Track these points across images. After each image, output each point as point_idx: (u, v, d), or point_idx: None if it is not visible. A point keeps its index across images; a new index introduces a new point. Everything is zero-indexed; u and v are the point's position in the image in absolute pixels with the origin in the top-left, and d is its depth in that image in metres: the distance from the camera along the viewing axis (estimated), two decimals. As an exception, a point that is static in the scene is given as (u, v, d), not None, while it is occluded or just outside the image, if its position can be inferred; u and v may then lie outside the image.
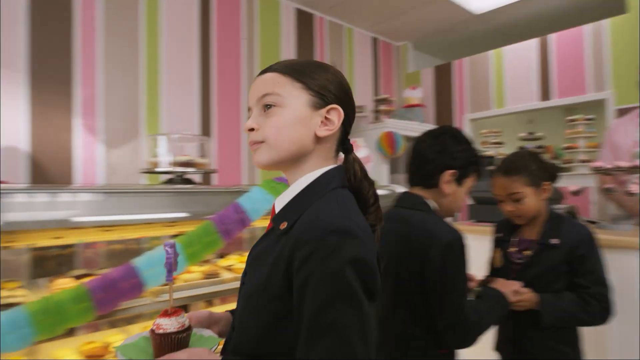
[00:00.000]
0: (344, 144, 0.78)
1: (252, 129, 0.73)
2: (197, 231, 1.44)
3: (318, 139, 0.73)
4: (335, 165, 0.77)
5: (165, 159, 1.85)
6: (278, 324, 0.66)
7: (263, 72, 0.75)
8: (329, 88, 0.74)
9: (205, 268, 1.68)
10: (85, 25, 2.75)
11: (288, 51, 3.83)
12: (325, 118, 0.73)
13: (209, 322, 0.84)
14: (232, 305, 0.82)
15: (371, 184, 0.78)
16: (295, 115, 0.71)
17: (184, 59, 3.19)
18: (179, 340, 0.71)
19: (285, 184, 1.80)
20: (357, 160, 0.78)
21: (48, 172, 2.59)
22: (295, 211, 0.70)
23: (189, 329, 0.75)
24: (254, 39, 3.62)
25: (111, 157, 2.78)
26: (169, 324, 0.71)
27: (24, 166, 2.50)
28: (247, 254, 0.82)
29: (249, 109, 0.76)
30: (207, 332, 0.80)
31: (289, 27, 3.85)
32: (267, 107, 0.72)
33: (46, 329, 1.14)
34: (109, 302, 1.23)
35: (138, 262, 1.30)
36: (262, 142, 0.72)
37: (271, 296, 0.67)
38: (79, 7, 2.73)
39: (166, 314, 0.73)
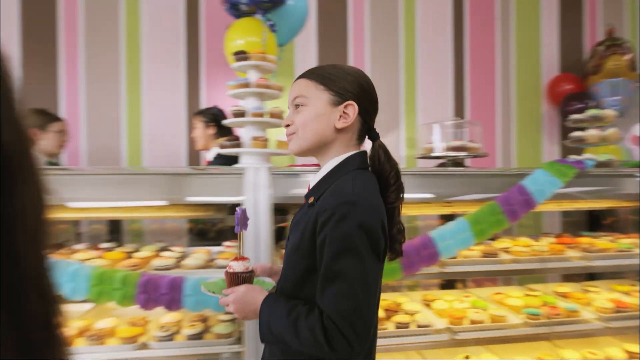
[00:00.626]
0: (369, 133, 0.93)
1: (287, 125, 0.92)
2: (483, 210, 1.53)
3: (338, 130, 0.89)
4: (357, 151, 0.91)
5: (439, 145, 2.00)
6: (307, 276, 0.85)
7: (297, 78, 0.92)
8: (348, 88, 0.88)
9: (484, 247, 1.75)
10: (357, 35, 3.22)
11: (549, 28, 3.46)
12: (343, 112, 0.88)
13: (270, 273, 1.04)
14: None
15: (393, 166, 0.89)
16: (317, 112, 0.88)
17: (439, 47, 3.32)
18: (244, 278, 0.92)
19: (570, 165, 1.69)
20: (381, 147, 0.91)
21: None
22: (321, 188, 0.87)
23: (252, 272, 0.95)
24: (510, 17, 3.43)
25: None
26: (237, 266, 0.92)
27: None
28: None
29: (289, 109, 0.94)
30: (268, 280, 1.02)
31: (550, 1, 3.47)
32: (297, 106, 0.90)
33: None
34: (412, 265, 1.45)
35: (435, 234, 1.48)
36: (293, 133, 0.91)
37: (302, 254, 0.85)
38: (352, 21, 3.21)
39: (236, 258, 0.94)
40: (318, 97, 0.88)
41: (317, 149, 0.91)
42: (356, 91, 0.89)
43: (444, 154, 1.99)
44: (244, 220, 0.97)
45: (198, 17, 3.05)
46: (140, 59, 2.98)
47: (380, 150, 0.90)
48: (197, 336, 1.48)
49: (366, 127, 0.92)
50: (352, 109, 0.88)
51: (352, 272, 0.76)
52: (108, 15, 2.95)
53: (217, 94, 2.98)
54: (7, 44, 2.78)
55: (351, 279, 0.76)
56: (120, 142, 2.95)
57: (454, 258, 1.61)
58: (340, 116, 0.88)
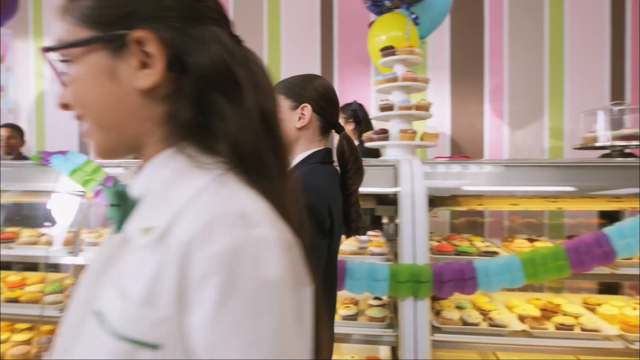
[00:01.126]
0: (335, 127, 1.10)
1: None
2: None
3: (299, 129, 1.04)
4: (320, 148, 1.07)
5: (604, 134, 1.81)
6: None
7: None
8: (302, 93, 1.05)
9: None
10: (494, 23, 3.04)
11: None
12: (301, 114, 1.03)
13: None
14: None
15: (352, 154, 1.05)
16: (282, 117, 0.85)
17: (592, 24, 2.97)
18: None
19: None
20: (345, 137, 1.07)
21: (463, 150, 3.07)
22: None
23: None
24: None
25: (515, 138, 2.99)
26: None
27: (446, 146, 3.08)
28: None
29: None
30: None
31: None
32: None
33: (530, 276, 1.39)
34: (582, 263, 1.35)
35: (610, 231, 1.35)
36: None
37: None
38: (488, 8, 3.05)
39: None
40: (281, 105, 1.01)
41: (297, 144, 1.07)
42: (310, 94, 1.05)
43: (611, 143, 1.79)
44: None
45: (332, 16, 3.19)
46: (280, 57, 3.23)
47: (344, 140, 1.07)
48: (352, 317, 1.58)
49: (328, 123, 1.08)
50: (308, 110, 1.04)
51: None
52: (252, 16, 3.25)
53: (349, 90, 3.10)
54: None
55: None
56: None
57: (629, 259, 1.46)
58: (299, 118, 1.04)
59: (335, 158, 1.09)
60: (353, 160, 1.06)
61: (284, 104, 1.05)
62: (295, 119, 1.04)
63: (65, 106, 0.52)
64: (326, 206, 0.94)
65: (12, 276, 1.99)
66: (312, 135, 1.07)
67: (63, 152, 1.74)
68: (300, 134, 1.05)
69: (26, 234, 1.91)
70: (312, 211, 0.86)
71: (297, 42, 3.23)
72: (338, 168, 1.09)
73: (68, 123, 3.45)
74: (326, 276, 0.98)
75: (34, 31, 3.58)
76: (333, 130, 1.10)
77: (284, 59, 3.25)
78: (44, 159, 1.75)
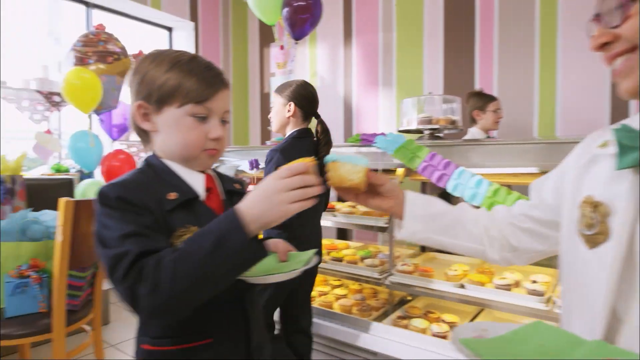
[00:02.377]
0: (315, 115, 1.83)
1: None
2: None
3: (288, 118, 1.78)
4: (299, 128, 1.79)
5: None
6: None
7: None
8: (288, 94, 1.78)
9: None
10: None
11: None
12: (288, 108, 1.77)
13: None
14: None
15: (323, 131, 1.78)
16: (277, 109, 1.80)
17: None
18: None
19: None
20: (320, 121, 1.80)
21: None
22: None
23: None
24: None
25: None
26: None
27: None
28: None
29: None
30: None
31: None
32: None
33: None
34: None
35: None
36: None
37: None
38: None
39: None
40: (277, 102, 1.81)
41: (282, 128, 1.83)
42: (294, 95, 1.77)
43: None
44: None
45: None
46: (557, 24, 2.90)
47: (318, 123, 1.80)
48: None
49: (309, 112, 1.82)
50: (293, 105, 1.76)
51: None
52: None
53: None
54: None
55: None
56: (533, 112, 2.99)
57: None
58: (288, 110, 1.77)
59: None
60: (324, 137, 1.77)
61: (279, 100, 1.80)
62: (286, 109, 1.78)
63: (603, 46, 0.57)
64: (285, 161, 1.43)
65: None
66: (296, 121, 1.79)
67: (382, 134, 1.97)
68: (289, 120, 1.79)
69: (343, 205, 2.25)
70: (278, 166, 1.00)
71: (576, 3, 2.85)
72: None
73: (334, 116, 3.96)
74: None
75: (309, 38, 4.21)
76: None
77: (561, 25, 2.92)
78: (366, 139, 2.02)
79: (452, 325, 1.79)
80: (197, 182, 0.81)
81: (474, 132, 2.66)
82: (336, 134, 4.06)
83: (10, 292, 1.52)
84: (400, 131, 2.22)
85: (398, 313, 1.96)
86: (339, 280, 2.38)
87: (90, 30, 3.08)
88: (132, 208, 0.69)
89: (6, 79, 3.07)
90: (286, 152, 1.64)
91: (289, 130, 1.79)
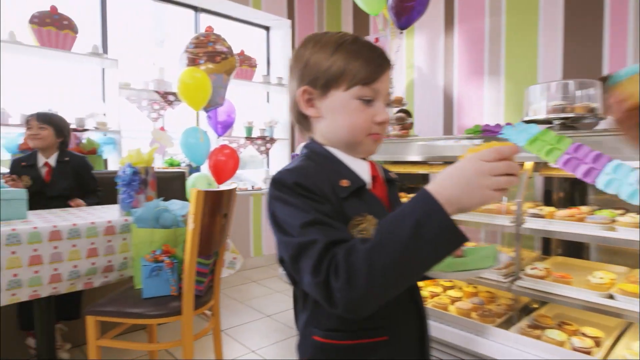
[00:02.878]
0: None
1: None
2: None
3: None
4: None
5: None
6: None
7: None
8: None
9: None
10: None
11: None
12: None
13: None
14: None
15: None
16: None
17: None
18: None
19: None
20: None
21: None
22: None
23: None
24: None
25: None
26: None
27: None
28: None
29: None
30: None
31: None
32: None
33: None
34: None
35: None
36: None
37: None
38: None
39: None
40: None
41: None
42: None
43: None
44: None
45: None
46: None
47: None
48: None
49: None
50: None
51: None
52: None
53: None
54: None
55: None
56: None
57: None
58: None
59: None
60: None
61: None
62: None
63: None
64: None
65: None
66: None
67: (509, 124, 1.79)
68: None
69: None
70: None
71: None
72: None
73: (431, 109, 3.77)
74: None
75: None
76: None
77: None
78: (489, 131, 1.85)
79: (597, 340, 1.57)
80: (362, 169, 0.77)
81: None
82: (435, 126, 3.87)
83: (147, 275, 1.63)
84: (526, 122, 2.01)
85: (526, 321, 1.77)
86: (450, 281, 2.24)
87: (200, 32, 3.26)
88: (310, 195, 0.66)
89: (130, 80, 3.37)
90: None
91: None
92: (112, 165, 3.33)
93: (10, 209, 1.75)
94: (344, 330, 0.70)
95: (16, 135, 2.80)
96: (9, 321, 2.17)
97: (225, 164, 3.37)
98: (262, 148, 4.15)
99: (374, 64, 0.73)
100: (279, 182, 0.69)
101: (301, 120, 0.80)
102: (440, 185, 0.58)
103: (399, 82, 4.14)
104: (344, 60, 0.73)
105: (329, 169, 0.74)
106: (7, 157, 2.88)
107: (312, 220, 0.63)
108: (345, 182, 0.72)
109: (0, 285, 1.50)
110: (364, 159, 0.79)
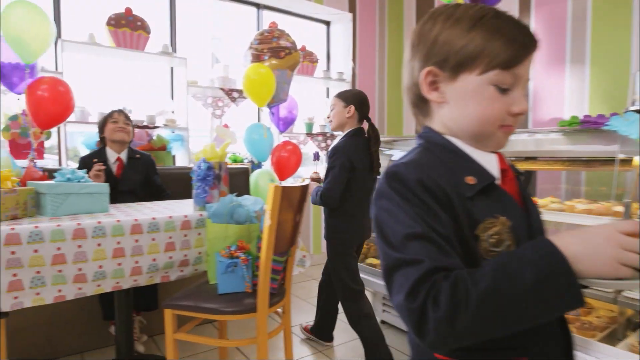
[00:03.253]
0: (366, 118, 2.16)
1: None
2: None
3: (347, 118, 2.14)
4: (355, 127, 2.13)
5: None
6: None
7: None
8: (349, 98, 2.13)
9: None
10: None
11: None
12: (347, 110, 2.13)
13: None
14: None
15: (372, 131, 2.11)
16: (338, 111, 2.19)
17: None
18: None
19: None
20: (370, 124, 2.13)
21: None
22: None
23: None
24: None
25: None
26: None
27: None
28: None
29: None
30: None
31: None
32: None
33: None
34: None
35: None
36: (331, 121, 2.25)
37: None
38: None
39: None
40: (339, 104, 2.13)
41: (340, 127, 2.15)
42: (354, 99, 2.11)
43: None
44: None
45: None
46: None
47: (369, 125, 2.13)
48: None
49: (364, 115, 2.14)
50: (351, 109, 2.09)
51: None
52: None
53: None
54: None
55: None
56: None
57: None
58: (347, 112, 2.09)
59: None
60: (373, 135, 2.10)
61: (340, 103, 2.13)
62: (345, 111, 2.11)
63: None
64: (345, 156, 2.01)
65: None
66: (352, 122, 2.13)
67: (614, 114, 1.59)
68: (347, 121, 2.12)
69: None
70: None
71: None
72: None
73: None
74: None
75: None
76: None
77: None
78: (592, 122, 1.65)
79: None
80: (490, 163, 0.66)
81: None
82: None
83: (223, 270, 1.62)
84: (636, 111, 1.78)
85: (635, 337, 1.57)
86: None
87: (264, 28, 3.26)
88: (428, 198, 0.58)
89: (197, 78, 3.44)
90: (345, 148, 2.04)
91: (347, 129, 2.14)
92: (180, 162, 3.42)
93: (94, 202, 1.81)
94: (475, 348, 0.60)
95: (95, 133, 2.94)
96: (94, 311, 2.27)
97: (288, 160, 3.35)
98: (323, 144, 4.10)
99: (518, 43, 0.61)
100: (394, 177, 0.60)
101: (419, 104, 0.71)
102: (565, 241, 0.52)
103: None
104: (482, 39, 0.61)
105: (452, 164, 0.64)
106: (86, 153, 3.04)
107: (418, 234, 0.55)
108: (471, 180, 0.62)
109: (87, 276, 1.54)
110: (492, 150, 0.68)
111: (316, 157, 3.69)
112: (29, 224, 1.47)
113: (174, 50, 3.47)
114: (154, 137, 3.22)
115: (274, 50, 3.13)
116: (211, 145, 1.88)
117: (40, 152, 2.58)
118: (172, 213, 1.78)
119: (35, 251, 1.43)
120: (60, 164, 3.03)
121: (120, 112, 2.44)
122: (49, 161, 3.03)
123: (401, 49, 4.63)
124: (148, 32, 3.08)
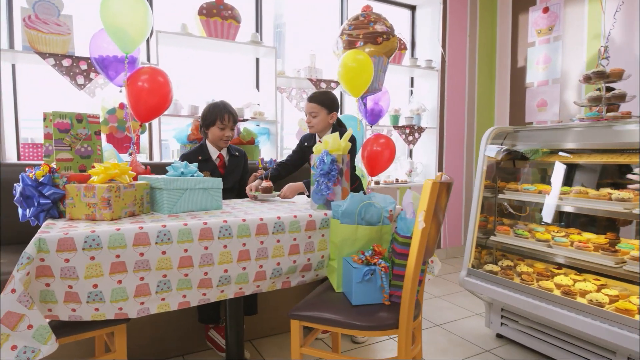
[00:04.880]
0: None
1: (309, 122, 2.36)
2: None
3: (330, 123, 2.32)
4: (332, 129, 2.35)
5: None
6: None
7: (308, 101, 2.35)
8: (332, 106, 2.31)
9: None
10: None
11: None
12: (332, 117, 2.31)
13: None
14: None
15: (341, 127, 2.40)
16: (322, 118, 2.27)
17: None
18: None
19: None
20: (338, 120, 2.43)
21: None
22: None
23: None
24: None
25: None
26: None
27: None
28: None
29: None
30: None
31: None
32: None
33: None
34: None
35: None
36: (312, 127, 2.36)
37: None
38: None
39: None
40: (323, 111, 2.28)
41: (323, 131, 2.30)
42: (336, 106, 2.33)
43: None
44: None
45: None
46: None
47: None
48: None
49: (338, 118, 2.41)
50: (334, 115, 2.32)
51: None
52: None
53: None
54: None
55: None
56: None
57: None
58: (331, 118, 2.31)
59: None
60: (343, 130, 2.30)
61: (324, 111, 2.28)
62: (329, 118, 2.31)
63: None
64: None
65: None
66: (332, 123, 2.35)
67: None
68: (330, 125, 2.33)
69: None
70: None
71: None
72: None
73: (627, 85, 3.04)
74: None
75: (591, -9, 3.36)
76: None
77: None
78: None
79: None
80: None
81: None
82: (629, 107, 3.13)
83: (359, 278, 1.40)
84: None
85: None
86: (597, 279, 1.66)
87: (358, 12, 3.02)
88: None
89: (284, 68, 3.28)
90: None
91: (328, 132, 2.30)
92: (267, 156, 3.28)
93: (209, 198, 1.67)
94: None
95: (186, 126, 2.86)
96: (190, 315, 2.16)
97: (381, 154, 3.10)
98: (410, 138, 3.81)
99: None
100: None
101: None
102: None
103: (578, 55, 3.47)
104: None
105: None
106: (176, 147, 2.97)
107: None
108: None
109: (212, 280, 1.38)
110: None
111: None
112: (153, 222, 1.33)
113: (260, 39, 3.32)
114: (242, 131, 3.10)
115: (371, 35, 2.89)
116: (334, 135, 1.67)
117: (138, 146, 2.52)
118: (294, 212, 1.60)
119: (163, 253, 1.29)
120: (150, 159, 2.98)
121: (230, 115, 2.26)
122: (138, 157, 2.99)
123: (494, 33, 4.22)
124: (238, 21, 2.95)
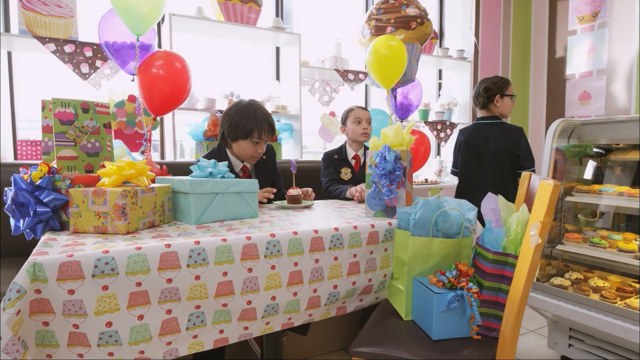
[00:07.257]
0: None
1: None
2: None
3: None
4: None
5: None
6: None
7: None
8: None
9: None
10: None
11: None
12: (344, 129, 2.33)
13: None
14: None
15: None
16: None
17: None
18: None
19: None
20: None
21: None
22: None
23: None
24: None
25: None
26: None
27: None
28: None
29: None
30: None
31: None
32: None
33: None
34: None
35: None
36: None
37: None
38: None
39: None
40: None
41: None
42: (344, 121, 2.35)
43: None
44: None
45: None
46: None
47: None
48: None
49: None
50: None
51: None
52: None
53: None
54: None
55: None
56: None
57: None
58: (343, 130, 2.37)
59: None
60: None
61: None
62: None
63: None
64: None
65: None
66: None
67: None
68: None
69: None
70: None
71: None
72: None
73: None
74: None
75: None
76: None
77: None
78: None
79: None
80: None
81: None
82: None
83: (443, 306, 1.10)
84: None
85: None
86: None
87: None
88: None
89: (309, 58, 2.98)
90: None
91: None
92: (288, 154, 2.98)
93: (243, 205, 1.36)
94: None
95: (202, 121, 2.56)
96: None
97: (416, 152, 2.81)
98: (442, 134, 3.51)
99: None
100: None
101: None
102: None
103: (628, 44, 3.16)
104: None
105: None
106: (192, 144, 2.67)
107: None
108: None
109: (257, 311, 1.08)
110: None
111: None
112: (182, 237, 1.03)
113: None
114: (262, 127, 2.79)
115: (403, 20, 2.59)
116: (396, 127, 1.36)
117: (150, 143, 2.22)
118: (339, 221, 1.29)
119: (197, 278, 0.99)
120: (162, 158, 2.68)
121: (270, 127, 1.77)
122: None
123: (529, 21, 3.91)
124: (259, 5, 2.65)
